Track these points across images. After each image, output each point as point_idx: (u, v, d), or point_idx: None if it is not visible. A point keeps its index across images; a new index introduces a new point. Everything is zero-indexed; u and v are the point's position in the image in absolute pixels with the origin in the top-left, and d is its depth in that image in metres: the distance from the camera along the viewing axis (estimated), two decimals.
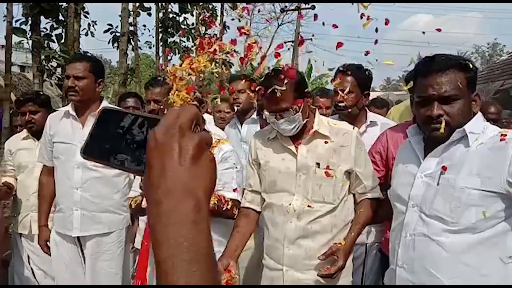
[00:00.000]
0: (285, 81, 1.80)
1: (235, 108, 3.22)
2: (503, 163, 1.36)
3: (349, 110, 2.52)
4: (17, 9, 6.99)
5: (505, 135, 1.42)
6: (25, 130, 3.08)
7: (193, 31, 11.64)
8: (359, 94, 2.54)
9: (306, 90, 1.90)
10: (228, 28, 12.72)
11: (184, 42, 11.57)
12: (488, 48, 34.39)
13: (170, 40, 10.89)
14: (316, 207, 1.88)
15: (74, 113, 2.55)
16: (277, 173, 1.94)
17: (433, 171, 1.51)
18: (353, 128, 2.01)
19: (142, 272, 2.02)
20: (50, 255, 2.65)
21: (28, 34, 6.51)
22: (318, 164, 1.88)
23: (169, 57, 11.37)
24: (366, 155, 2.02)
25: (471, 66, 1.48)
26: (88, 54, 2.99)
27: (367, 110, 2.72)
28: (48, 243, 2.64)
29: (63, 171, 2.55)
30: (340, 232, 1.92)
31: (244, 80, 3.18)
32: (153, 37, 10.98)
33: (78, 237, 2.56)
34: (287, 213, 1.90)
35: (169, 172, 0.44)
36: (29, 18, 6.46)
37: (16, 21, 6.63)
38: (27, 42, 6.61)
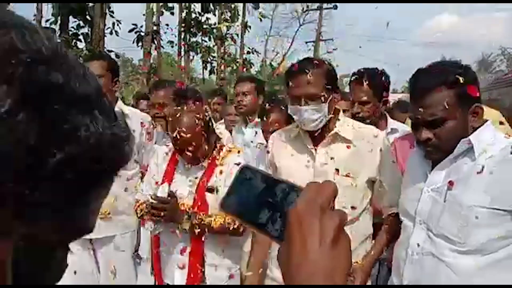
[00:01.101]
0: (317, 66, 1.71)
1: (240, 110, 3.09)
2: None
3: (367, 121, 2.37)
4: (47, 9, 7.24)
5: None
6: None
7: (214, 30, 11.79)
8: (376, 103, 2.41)
9: (335, 85, 1.77)
10: (250, 27, 12.82)
11: (206, 41, 11.73)
12: None
13: (192, 39, 11.06)
14: None
15: None
16: (292, 176, 1.76)
17: (440, 185, 1.41)
18: (380, 132, 1.88)
19: (159, 275, 2.04)
20: None
21: (57, 33, 6.73)
22: (337, 170, 1.73)
23: (190, 57, 11.54)
24: (393, 163, 1.83)
25: (461, 80, 1.33)
26: (104, 53, 2.98)
27: (387, 116, 2.62)
28: None
29: None
30: (360, 246, 1.76)
31: (250, 82, 3.11)
32: (175, 36, 11.17)
33: (90, 240, 2.52)
34: None
35: (310, 253, 0.45)
36: (58, 18, 6.68)
37: (46, 21, 6.87)
38: None
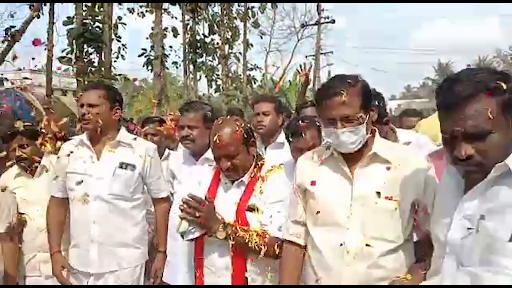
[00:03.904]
0: (352, 85, 1.59)
1: (259, 131, 3.04)
2: None
3: None
4: (57, 39, 7.50)
5: None
6: (16, 167, 2.77)
7: (218, 50, 12.13)
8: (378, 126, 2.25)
9: (371, 103, 1.65)
10: (252, 45, 13.15)
11: (211, 61, 12.08)
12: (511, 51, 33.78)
13: (198, 60, 11.41)
14: (376, 246, 1.58)
15: (88, 143, 2.43)
16: (327, 201, 1.67)
17: (472, 212, 1.23)
18: (419, 152, 1.80)
19: None
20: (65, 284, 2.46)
21: (73, 62, 7.01)
22: (378, 193, 1.59)
23: (197, 77, 11.87)
24: (435, 183, 1.64)
25: (504, 86, 1.16)
26: (102, 82, 2.87)
27: (395, 131, 2.48)
28: (64, 271, 2.45)
29: (78, 204, 2.40)
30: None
31: (269, 102, 3.08)
32: (179, 57, 11.50)
33: (90, 274, 2.40)
34: (341, 254, 1.60)
35: None
36: (74, 47, 6.96)
37: (63, 50, 7.16)
38: (72, 70, 7.14)
